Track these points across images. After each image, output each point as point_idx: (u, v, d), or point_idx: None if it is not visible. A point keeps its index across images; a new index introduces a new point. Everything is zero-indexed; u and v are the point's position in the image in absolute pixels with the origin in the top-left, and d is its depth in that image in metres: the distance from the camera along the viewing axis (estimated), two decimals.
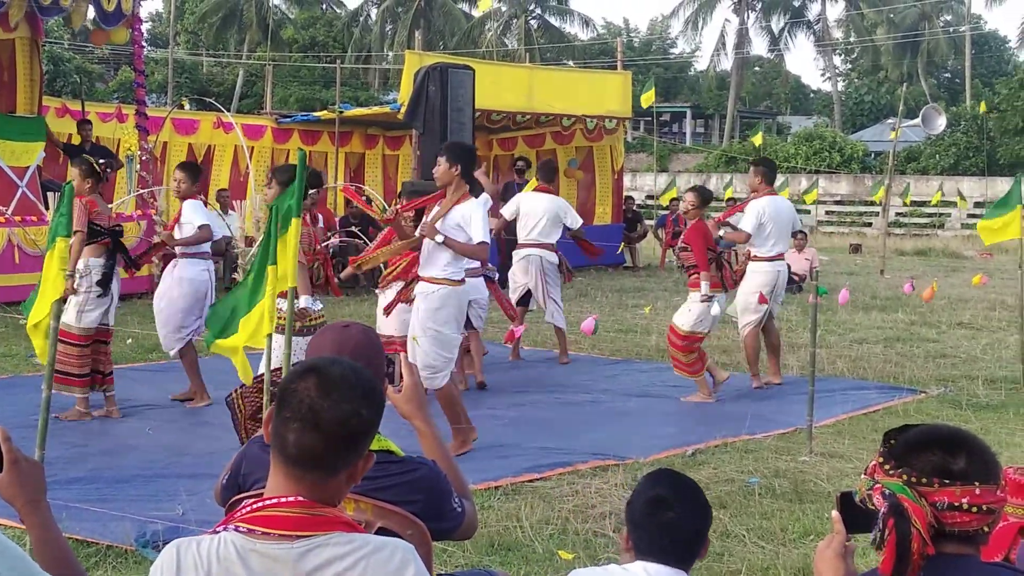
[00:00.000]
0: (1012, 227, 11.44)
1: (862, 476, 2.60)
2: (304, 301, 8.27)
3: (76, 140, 18.42)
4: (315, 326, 8.45)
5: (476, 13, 61.75)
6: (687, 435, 8.96)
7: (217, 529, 2.39)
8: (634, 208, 25.93)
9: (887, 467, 2.52)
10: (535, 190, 12.53)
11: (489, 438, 8.75)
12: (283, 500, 2.35)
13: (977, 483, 2.44)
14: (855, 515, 2.55)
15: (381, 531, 2.97)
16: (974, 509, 2.43)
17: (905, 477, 2.47)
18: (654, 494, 3.14)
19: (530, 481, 7.50)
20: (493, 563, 5.87)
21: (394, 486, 3.17)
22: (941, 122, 26.20)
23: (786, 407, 10.02)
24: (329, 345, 3.27)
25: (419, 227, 8.25)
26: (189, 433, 8.97)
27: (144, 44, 17.57)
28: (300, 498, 2.36)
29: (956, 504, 2.43)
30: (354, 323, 3.46)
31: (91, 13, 16.38)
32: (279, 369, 6.39)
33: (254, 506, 2.37)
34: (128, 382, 10.20)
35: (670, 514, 3.09)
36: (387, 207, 19.23)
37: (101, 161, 9.56)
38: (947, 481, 2.45)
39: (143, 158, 17.61)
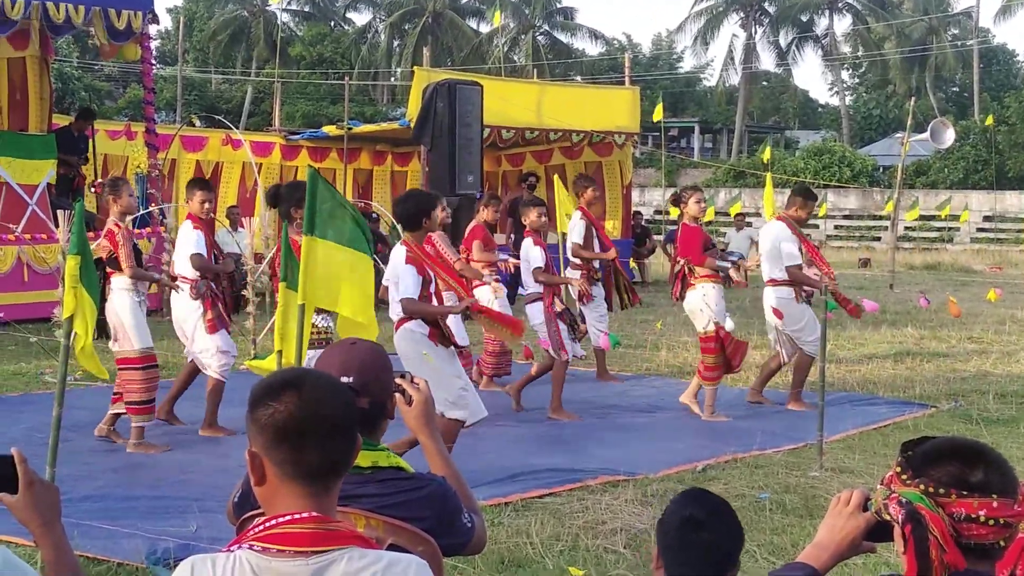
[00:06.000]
0: None
1: (878, 486, 2.60)
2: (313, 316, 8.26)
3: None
4: (319, 340, 8.54)
5: (485, 29, 61.91)
6: (697, 451, 8.94)
7: (231, 547, 2.39)
8: (643, 223, 25.95)
9: (904, 477, 2.52)
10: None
11: (499, 454, 8.75)
12: (296, 517, 2.36)
13: (995, 496, 2.44)
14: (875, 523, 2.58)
15: (392, 548, 2.96)
16: (991, 522, 2.43)
17: (922, 487, 2.46)
18: (687, 514, 3.10)
19: (540, 497, 7.49)
20: None
21: (404, 503, 3.17)
22: (950, 136, 26.10)
23: (796, 422, 10.01)
24: (336, 362, 3.27)
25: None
26: (198, 450, 8.98)
27: (153, 62, 17.60)
28: (313, 513, 2.36)
29: (973, 516, 2.43)
30: (361, 340, 3.45)
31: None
32: None
33: (267, 524, 2.37)
34: None
35: (704, 535, 3.05)
36: (395, 224, 19.27)
37: (99, 183, 9.55)
38: (965, 492, 2.44)
39: (152, 175, 17.65)
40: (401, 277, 7.89)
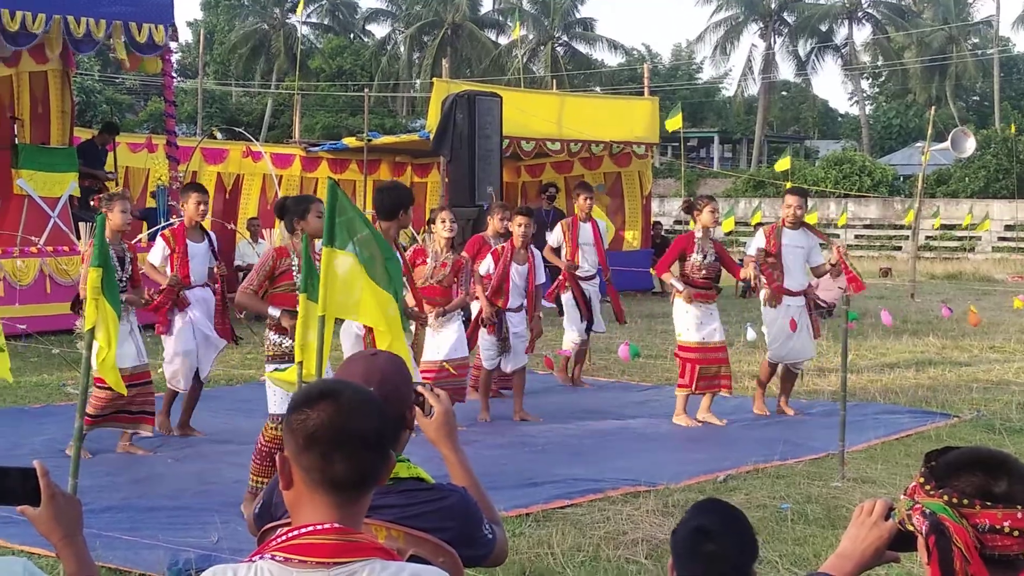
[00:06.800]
0: None
1: (902, 497, 2.57)
2: None
3: None
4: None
5: (504, 40, 61.98)
6: (718, 461, 8.92)
7: (253, 558, 2.39)
8: (663, 233, 25.91)
9: (928, 488, 2.49)
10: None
11: (519, 465, 8.74)
12: (319, 528, 2.35)
13: (1020, 506, 2.41)
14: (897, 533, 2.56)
15: (413, 559, 2.96)
16: (1015, 533, 2.40)
17: (946, 498, 2.44)
18: (696, 524, 3.08)
19: (561, 508, 7.48)
20: None
21: (425, 513, 3.16)
22: (970, 145, 25.99)
23: (818, 432, 9.97)
24: (358, 373, 3.26)
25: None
26: (218, 461, 8.98)
27: (174, 75, 17.68)
28: (336, 524, 2.36)
29: (998, 527, 2.40)
30: (381, 352, 3.45)
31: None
32: None
33: (289, 534, 2.37)
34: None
35: (711, 546, 3.03)
36: (415, 234, 19.30)
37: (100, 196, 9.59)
38: (989, 503, 2.41)
39: (173, 188, 17.70)
40: None
